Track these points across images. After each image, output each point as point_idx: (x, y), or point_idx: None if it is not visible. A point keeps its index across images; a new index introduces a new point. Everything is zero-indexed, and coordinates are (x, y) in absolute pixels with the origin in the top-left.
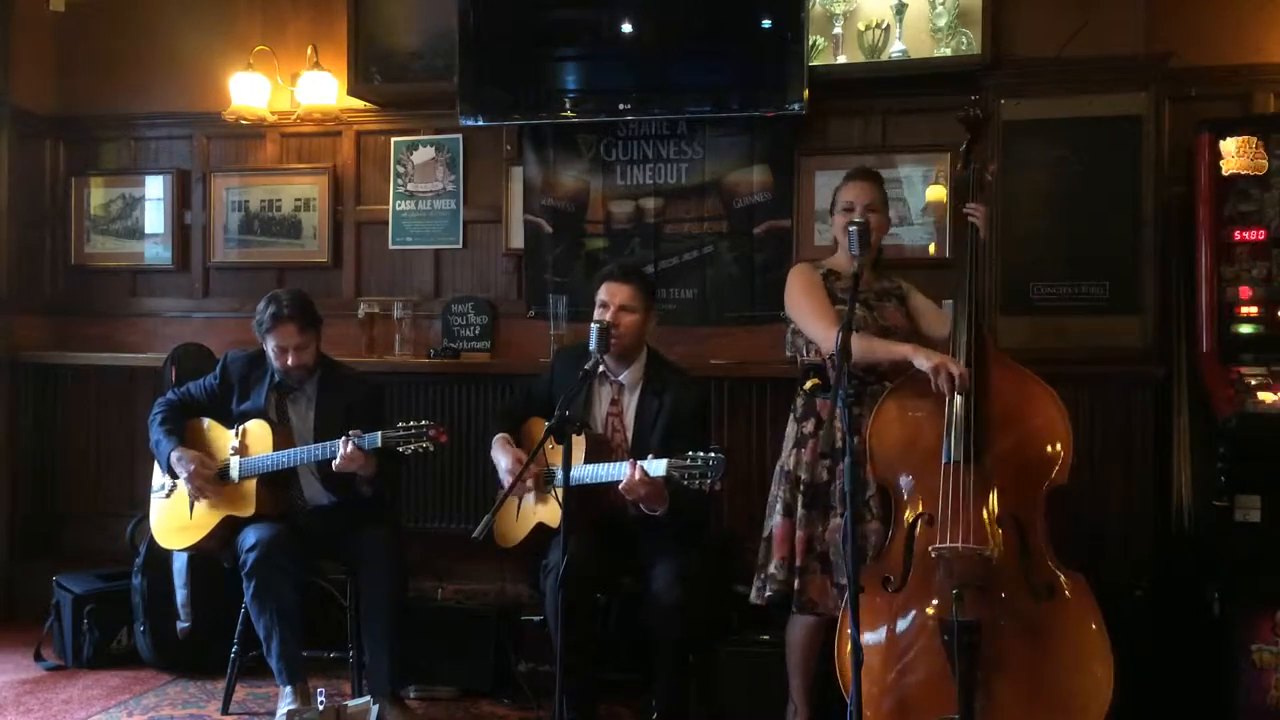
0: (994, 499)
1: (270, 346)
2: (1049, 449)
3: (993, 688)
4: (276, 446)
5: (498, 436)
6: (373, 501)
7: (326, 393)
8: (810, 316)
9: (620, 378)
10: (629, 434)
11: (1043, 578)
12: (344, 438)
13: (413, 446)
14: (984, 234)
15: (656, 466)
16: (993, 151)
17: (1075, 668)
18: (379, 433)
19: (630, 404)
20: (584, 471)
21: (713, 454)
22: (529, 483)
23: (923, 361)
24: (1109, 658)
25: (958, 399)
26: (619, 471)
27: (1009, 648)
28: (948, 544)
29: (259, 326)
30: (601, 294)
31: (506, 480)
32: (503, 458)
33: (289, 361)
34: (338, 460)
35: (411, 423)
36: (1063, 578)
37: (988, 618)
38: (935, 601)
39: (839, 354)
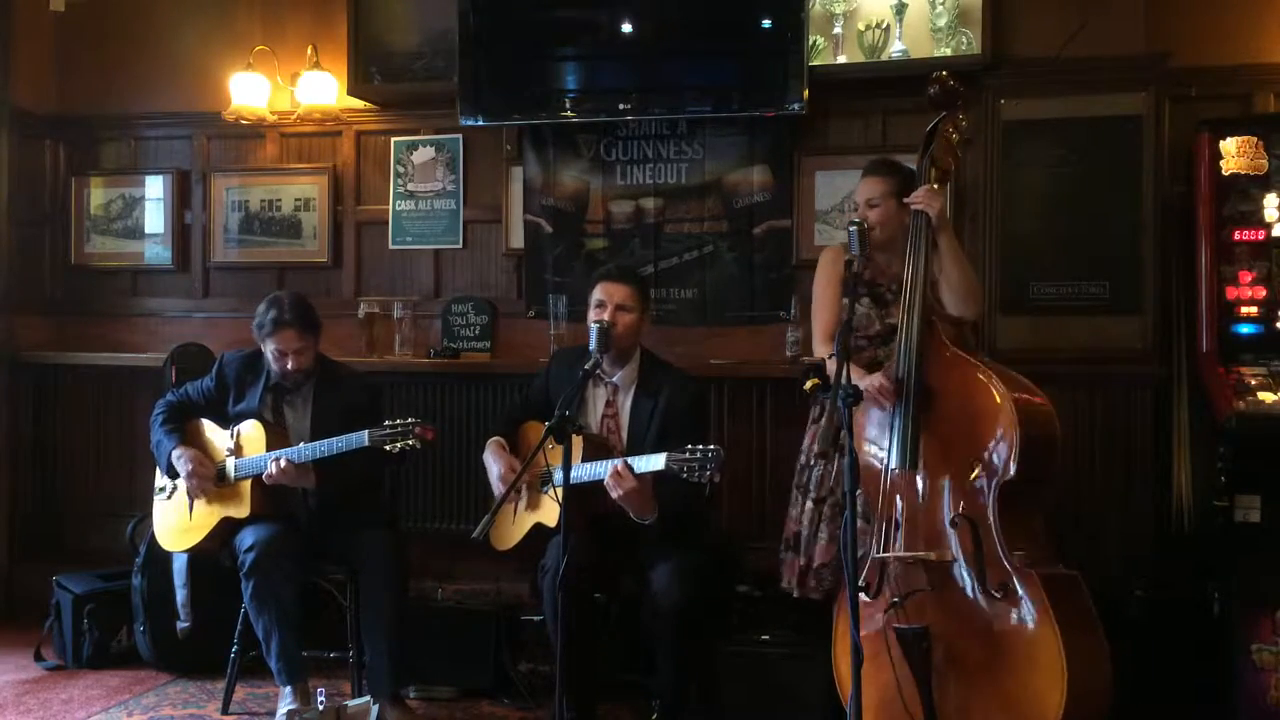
0: (944, 501)
1: (270, 349)
2: (993, 445)
3: (954, 690)
4: (270, 447)
5: (491, 440)
6: (372, 502)
7: (324, 393)
8: (815, 317)
9: (615, 379)
10: (624, 435)
11: (997, 577)
12: (274, 454)
13: (399, 444)
14: (936, 222)
15: (655, 460)
16: (966, 130)
17: (1029, 667)
18: (365, 431)
19: (625, 405)
20: (576, 470)
21: (713, 446)
22: (523, 489)
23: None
24: (1059, 658)
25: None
26: (606, 470)
27: (966, 649)
28: (891, 552)
29: (259, 329)
30: (598, 294)
31: (497, 486)
32: (494, 464)
33: (288, 365)
34: (266, 474)
35: (398, 420)
36: (1018, 576)
37: (940, 622)
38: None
39: (838, 355)
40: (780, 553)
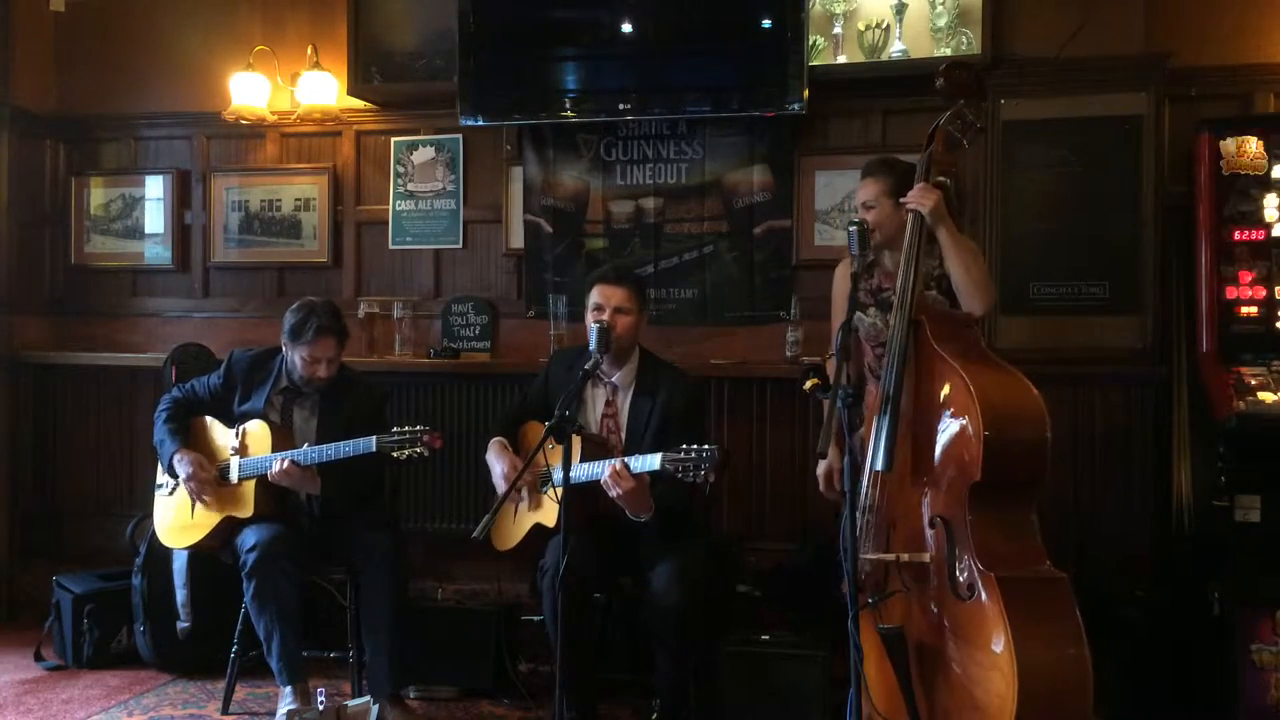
0: (922, 503)
1: (302, 355)
2: (962, 447)
3: (932, 690)
4: (276, 448)
5: (494, 440)
6: (373, 502)
7: (332, 397)
8: (832, 330)
9: (614, 379)
10: (624, 435)
11: (966, 580)
12: (279, 455)
13: (407, 452)
14: (931, 219)
15: (650, 461)
16: (976, 120)
17: (990, 670)
18: (374, 437)
19: (624, 405)
20: (575, 471)
21: (707, 446)
22: (524, 490)
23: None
24: (1011, 662)
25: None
26: (604, 470)
27: (941, 649)
28: (864, 555)
29: (294, 335)
30: (595, 296)
31: (500, 485)
32: (497, 463)
33: (319, 373)
34: (271, 472)
35: (406, 428)
36: (981, 579)
37: (915, 623)
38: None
39: (838, 355)
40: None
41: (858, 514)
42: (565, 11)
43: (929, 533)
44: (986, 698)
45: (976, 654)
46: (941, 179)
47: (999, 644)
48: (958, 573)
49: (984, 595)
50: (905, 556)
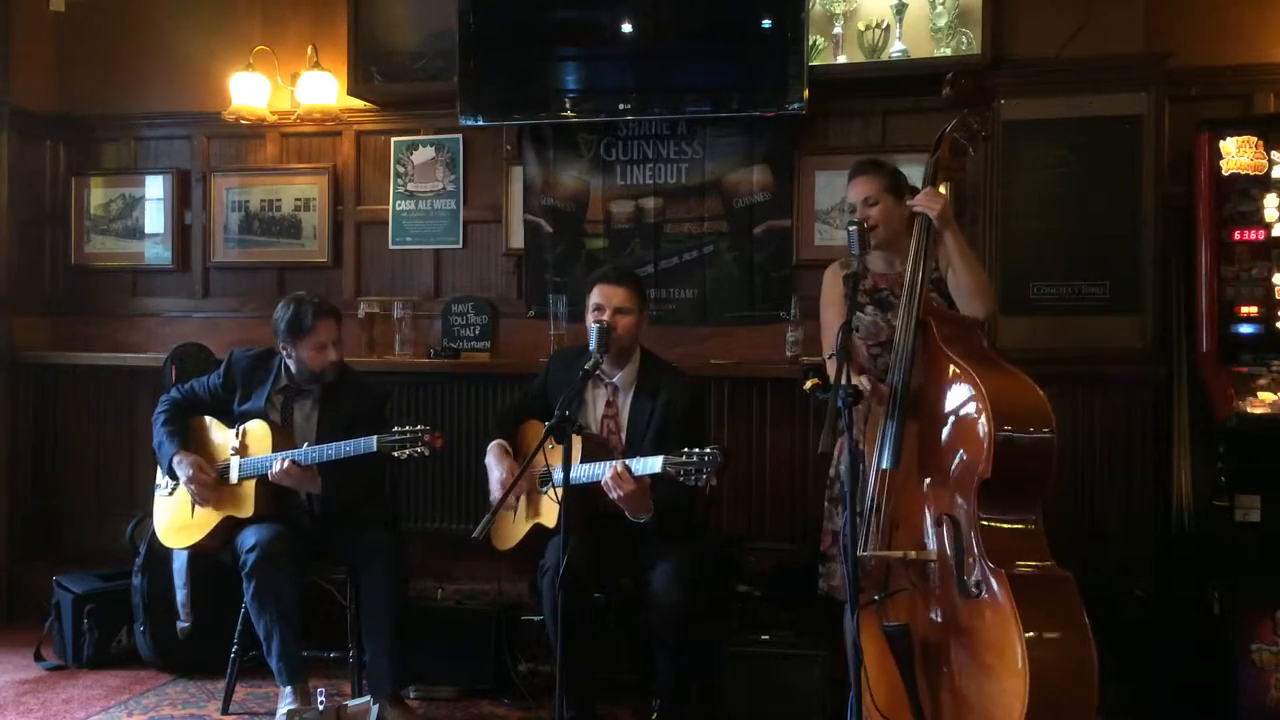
0: (929, 501)
1: (309, 345)
2: (970, 445)
3: (936, 689)
4: (276, 448)
5: (494, 444)
6: (373, 502)
7: (332, 395)
8: (823, 333)
9: (615, 379)
10: (624, 435)
11: (974, 577)
12: (279, 455)
13: (408, 452)
14: (938, 223)
15: (652, 464)
16: (981, 128)
17: (999, 668)
18: (374, 437)
19: (625, 405)
20: (576, 471)
21: (709, 450)
22: (522, 496)
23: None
24: (1022, 660)
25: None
26: (605, 471)
27: (946, 647)
28: (870, 552)
29: (294, 329)
30: (596, 297)
31: (497, 491)
32: (496, 469)
33: (330, 357)
34: (272, 472)
35: (407, 427)
36: (991, 577)
37: (921, 621)
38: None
39: (838, 355)
40: (821, 567)
41: (858, 516)
42: (565, 11)
43: (935, 531)
44: (994, 694)
45: (983, 652)
46: (942, 186)
47: (1007, 642)
48: (965, 571)
49: (993, 593)
50: (912, 554)
